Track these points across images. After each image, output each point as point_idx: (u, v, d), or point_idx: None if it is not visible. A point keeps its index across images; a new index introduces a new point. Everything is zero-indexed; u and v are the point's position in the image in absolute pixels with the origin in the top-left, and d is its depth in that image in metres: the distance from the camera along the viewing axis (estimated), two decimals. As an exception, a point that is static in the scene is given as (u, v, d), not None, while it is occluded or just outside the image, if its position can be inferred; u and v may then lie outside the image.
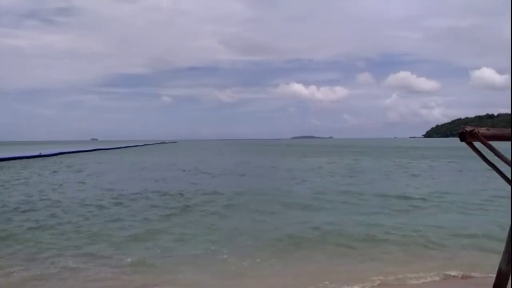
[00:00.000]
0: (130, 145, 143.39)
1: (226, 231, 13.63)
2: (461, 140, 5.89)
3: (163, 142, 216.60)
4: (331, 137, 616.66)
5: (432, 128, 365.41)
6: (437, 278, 9.06)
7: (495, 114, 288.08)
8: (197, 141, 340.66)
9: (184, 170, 40.11)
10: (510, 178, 6.04)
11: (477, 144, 5.81)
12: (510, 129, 5.97)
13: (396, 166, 43.23)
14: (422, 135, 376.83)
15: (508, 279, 6.63)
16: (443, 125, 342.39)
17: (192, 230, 13.90)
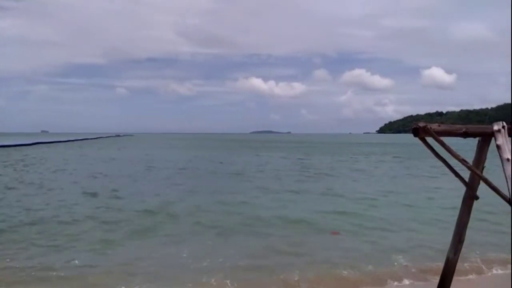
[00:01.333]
0: (79, 138, 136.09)
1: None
2: (415, 135, 6.15)
3: (118, 135, 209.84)
4: (289, 132, 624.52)
5: (385, 124, 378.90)
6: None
7: (444, 111, 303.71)
8: (154, 135, 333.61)
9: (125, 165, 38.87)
10: (467, 174, 6.38)
11: (429, 140, 6.09)
12: (459, 126, 6.30)
13: (338, 162, 44.03)
14: (376, 131, 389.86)
15: (455, 267, 7.03)
16: (395, 122, 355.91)
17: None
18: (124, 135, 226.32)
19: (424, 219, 14.66)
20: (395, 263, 9.72)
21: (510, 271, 6.51)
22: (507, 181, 5.83)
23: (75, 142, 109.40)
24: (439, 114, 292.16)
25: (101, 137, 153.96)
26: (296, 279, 8.60)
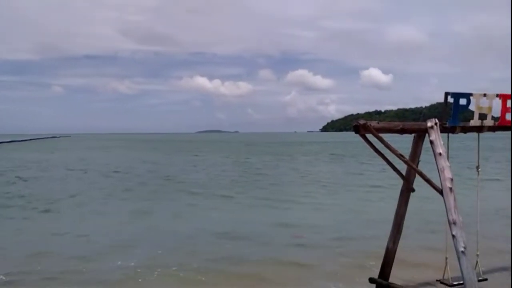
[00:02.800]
0: (7, 140, 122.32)
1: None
2: (356, 132, 6.47)
3: (54, 137, 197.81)
4: (236, 131, 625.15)
5: (328, 123, 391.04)
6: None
7: (382, 110, 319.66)
8: (94, 135, 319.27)
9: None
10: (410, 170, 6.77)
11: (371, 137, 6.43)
12: (396, 123, 6.71)
13: (279, 161, 44.89)
14: (319, 130, 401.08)
15: (394, 256, 7.48)
16: (337, 120, 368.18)
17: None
18: (60, 136, 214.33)
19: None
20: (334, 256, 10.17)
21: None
22: (439, 174, 6.30)
23: (2, 144, 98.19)
24: (378, 112, 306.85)
25: (33, 139, 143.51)
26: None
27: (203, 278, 8.74)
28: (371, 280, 7.46)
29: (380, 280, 7.33)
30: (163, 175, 30.38)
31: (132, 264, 9.55)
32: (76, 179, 28.46)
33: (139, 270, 9.14)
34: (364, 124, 6.19)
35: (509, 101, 6.93)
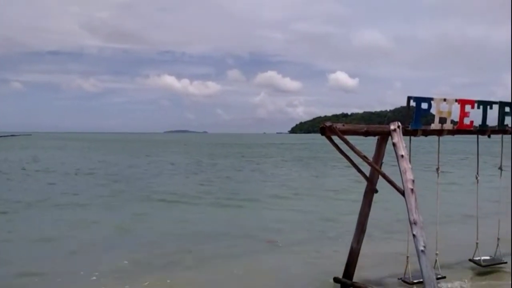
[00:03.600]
0: None
1: None
2: (322, 134, 6.58)
3: (13, 135, 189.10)
4: (205, 132, 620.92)
5: (296, 125, 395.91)
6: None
7: (349, 113, 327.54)
8: (56, 134, 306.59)
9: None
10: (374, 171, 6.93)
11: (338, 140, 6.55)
12: (360, 126, 6.86)
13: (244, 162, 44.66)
14: (288, 131, 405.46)
15: (358, 255, 7.65)
16: (305, 122, 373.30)
17: None
18: (20, 135, 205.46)
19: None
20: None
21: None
22: (401, 175, 6.50)
23: None
24: (344, 115, 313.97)
25: None
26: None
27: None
28: (336, 280, 7.60)
29: (344, 279, 7.48)
30: (117, 177, 28.57)
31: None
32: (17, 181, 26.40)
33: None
34: (330, 126, 6.31)
35: (467, 106, 7.26)
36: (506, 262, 8.46)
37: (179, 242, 11.59)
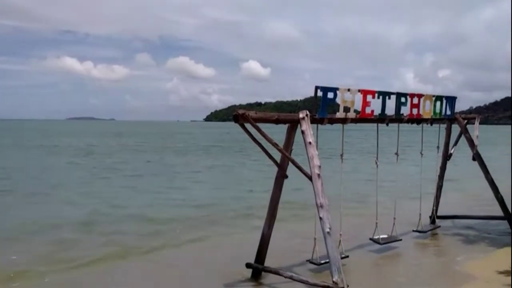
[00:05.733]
0: None
1: None
2: (235, 121, 6.60)
3: None
4: (113, 119, 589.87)
5: (211, 113, 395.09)
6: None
7: (263, 102, 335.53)
8: None
9: None
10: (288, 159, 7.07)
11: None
12: (272, 114, 6.99)
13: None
14: (203, 119, 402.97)
15: (269, 240, 7.85)
16: (220, 110, 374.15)
17: None
18: None
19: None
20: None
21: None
22: (309, 161, 6.77)
23: None
24: (258, 104, 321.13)
25: None
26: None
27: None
28: (248, 265, 7.72)
29: (256, 264, 7.63)
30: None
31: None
32: None
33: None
34: (243, 114, 6.34)
35: (368, 96, 7.77)
36: (401, 240, 9.31)
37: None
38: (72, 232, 11.44)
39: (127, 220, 12.92)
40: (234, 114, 6.38)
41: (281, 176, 7.48)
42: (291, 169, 7.32)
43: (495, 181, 10.68)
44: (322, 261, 7.31)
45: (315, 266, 7.64)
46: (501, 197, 10.65)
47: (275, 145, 6.69)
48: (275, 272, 7.30)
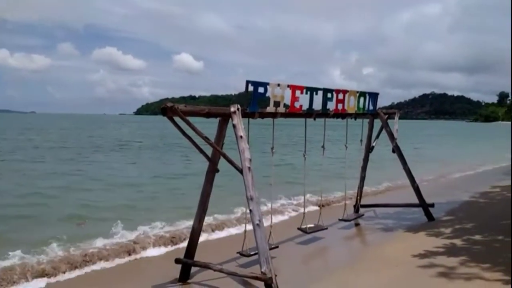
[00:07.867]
0: None
1: None
2: (163, 115, 6.43)
3: None
4: (33, 112, 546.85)
5: (142, 106, 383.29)
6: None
7: (197, 96, 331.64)
8: None
9: None
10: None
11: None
12: (203, 107, 6.92)
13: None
14: (133, 112, 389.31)
15: (199, 234, 7.81)
16: (152, 104, 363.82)
17: None
18: None
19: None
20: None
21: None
22: (240, 155, 6.82)
23: None
24: (192, 98, 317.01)
25: None
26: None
27: None
28: (177, 261, 7.62)
29: (185, 259, 7.56)
30: None
31: None
32: None
33: None
34: (172, 106, 6.20)
35: (297, 91, 7.98)
36: (327, 228, 9.74)
37: None
38: None
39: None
40: (162, 107, 6.23)
41: (212, 170, 7.46)
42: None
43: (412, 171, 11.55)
44: (252, 253, 7.43)
45: (246, 259, 7.74)
46: (417, 186, 11.55)
47: (205, 138, 6.65)
48: (205, 266, 7.27)
